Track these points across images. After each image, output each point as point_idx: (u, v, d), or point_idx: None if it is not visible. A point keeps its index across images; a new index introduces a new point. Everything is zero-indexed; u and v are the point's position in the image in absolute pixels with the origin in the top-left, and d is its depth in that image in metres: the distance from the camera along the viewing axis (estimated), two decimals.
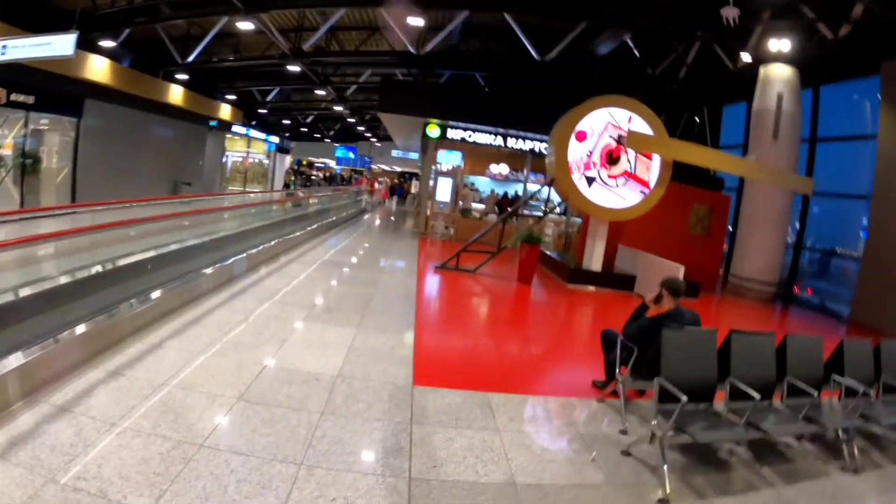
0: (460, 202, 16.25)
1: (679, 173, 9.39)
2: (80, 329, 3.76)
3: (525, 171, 15.86)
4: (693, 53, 12.33)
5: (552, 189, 9.80)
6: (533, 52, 12.16)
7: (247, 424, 3.15)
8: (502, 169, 17.20)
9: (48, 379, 3.26)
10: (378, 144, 39.13)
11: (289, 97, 25.39)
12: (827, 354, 4.16)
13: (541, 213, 11.26)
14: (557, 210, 12.97)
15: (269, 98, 23.11)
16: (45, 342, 3.40)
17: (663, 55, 12.88)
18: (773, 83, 10.94)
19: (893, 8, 7.91)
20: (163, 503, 2.36)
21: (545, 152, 10.85)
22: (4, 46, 8.89)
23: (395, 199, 30.56)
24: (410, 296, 7.11)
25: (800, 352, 3.93)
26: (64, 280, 4.47)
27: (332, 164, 42.43)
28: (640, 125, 9.01)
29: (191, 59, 14.48)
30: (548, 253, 11.51)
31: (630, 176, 9.12)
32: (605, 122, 9.00)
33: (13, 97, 11.30)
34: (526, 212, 12.97)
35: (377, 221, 18.56)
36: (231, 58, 15.96)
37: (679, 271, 7.78)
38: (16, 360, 3.09)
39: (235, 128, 22.89)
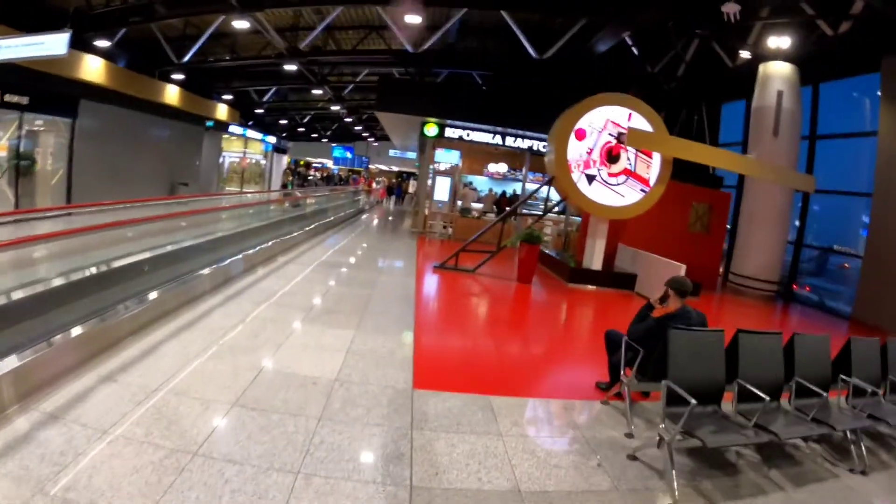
0: (459, 201, 16.17)
1: (678, 171, 9.33)
2: (74, 332, 3.67)
3: (524, 170, 15.80)
4: (692, 51, 12.30)
5: (552, 188, 9.73)
6: (531, 51, 12.09)
7: (242, 431, 3.06)
8: (501, 168, 17.15)
9: (39, 384, 3.18)
10: (375, 144, 39.07)
11: (285, 97, 25.28)
12: (833, 353, 4.10)
13: (540, 212, 11.19)
14: (556, 209, 12.90)
15: (265, 98, 23.03)
16: (38, 346, 3.32)
17: (662, 53, 12.83)
18: (772, 80, 10.91)
19: (894, 3, 7.84)
20: None
21: (544, 151, 10.79)
22: None
23: (392, 198, 30.44)
24: (409, 296, 7.03)
25: (807, 351, 3.87)
26: (58, 282, 4.38)
27: (330, 163, 42.28)
28: (640, 122, 8.95)
29: (187, 58, 14.40)
30: (547, 252, 11.45)
31: (630, 174, 9.06)
32: (604, 119, 8.93)
33: (7, 98, 11.20)
34: (525, 211, 12.91)
35: (375, 221, 18.45)
36: (227, 57, 15.88)
37: (680, 270, 7.72)
38: (7, 364, 3.01)
39: (232, 128, 22.75)
